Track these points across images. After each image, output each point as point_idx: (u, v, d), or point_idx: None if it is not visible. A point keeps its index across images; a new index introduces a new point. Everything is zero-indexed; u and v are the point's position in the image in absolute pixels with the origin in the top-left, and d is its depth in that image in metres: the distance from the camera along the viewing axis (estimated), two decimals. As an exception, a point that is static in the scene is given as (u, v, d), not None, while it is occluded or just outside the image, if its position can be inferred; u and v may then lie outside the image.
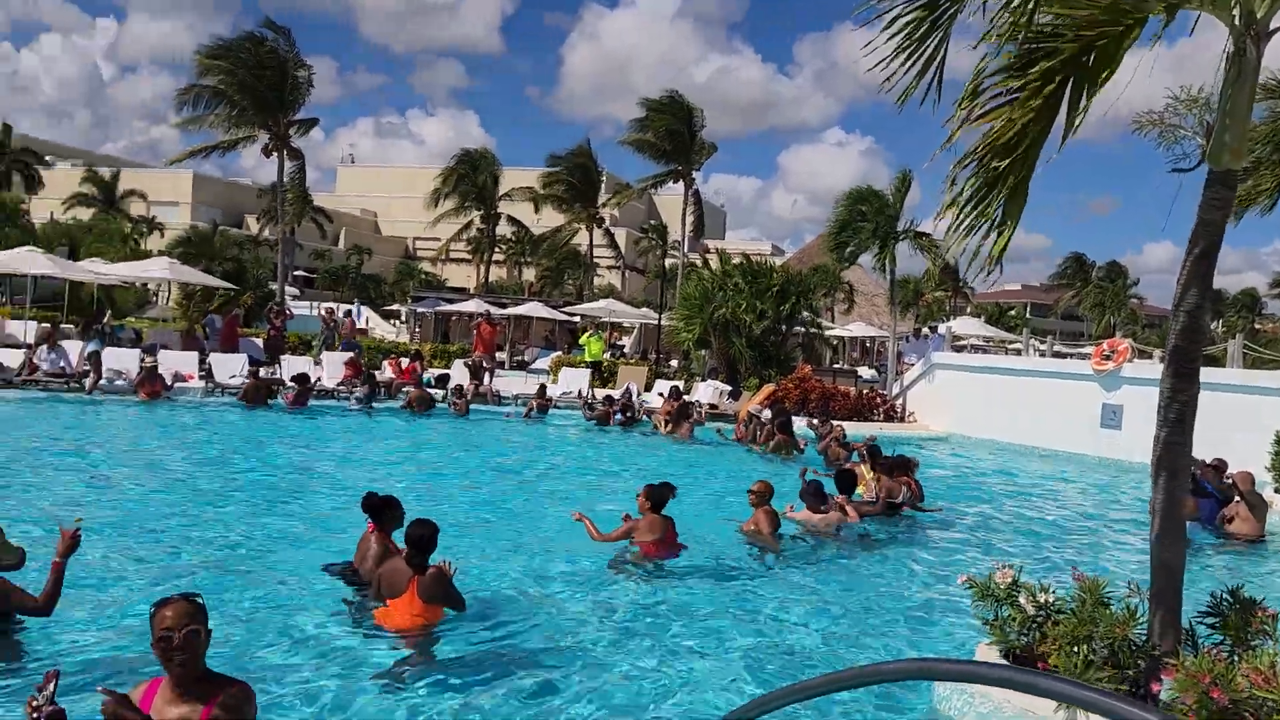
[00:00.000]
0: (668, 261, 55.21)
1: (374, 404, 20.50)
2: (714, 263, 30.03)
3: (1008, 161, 4.44)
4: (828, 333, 37.84)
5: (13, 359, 20.64)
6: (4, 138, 66.61)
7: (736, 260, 28.26)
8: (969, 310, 65.63)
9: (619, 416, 20.53)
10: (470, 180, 47.84)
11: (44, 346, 20.70)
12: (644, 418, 20.53)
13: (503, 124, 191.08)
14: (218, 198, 78.86)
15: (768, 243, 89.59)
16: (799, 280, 27.69)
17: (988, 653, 5.82)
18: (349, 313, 31.39)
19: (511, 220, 53.05)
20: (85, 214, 61.07)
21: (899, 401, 23.97)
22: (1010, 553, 10.28)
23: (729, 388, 24.16)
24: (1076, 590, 5.69)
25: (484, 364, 24.19)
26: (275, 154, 35.18)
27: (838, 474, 11.52)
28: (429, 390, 21.40)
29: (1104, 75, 4.71)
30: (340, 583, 7.22)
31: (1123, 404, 19.10)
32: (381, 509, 7.25)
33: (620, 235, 79.39)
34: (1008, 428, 21.18)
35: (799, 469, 12.48)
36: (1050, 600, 5.58)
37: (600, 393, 23.22)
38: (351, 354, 23.49)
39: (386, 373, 23.84)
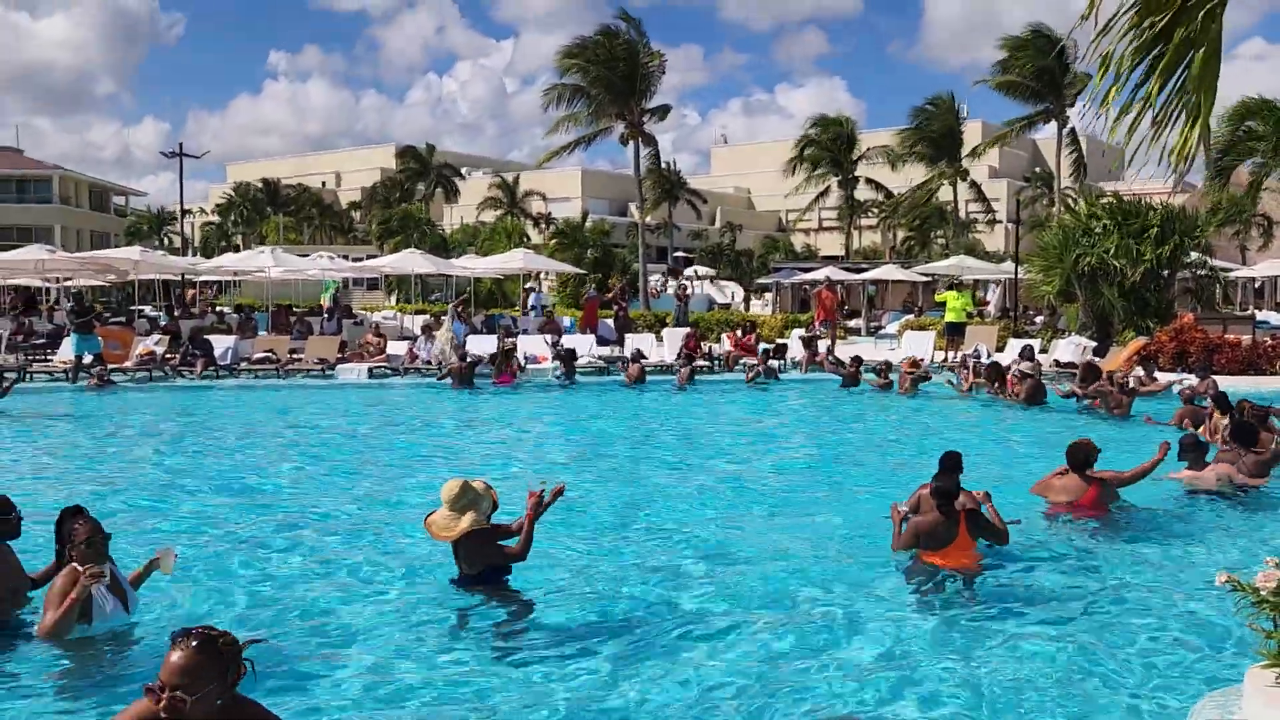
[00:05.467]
0: (1054, 210, 50.69)
1: (574, 378, 19.86)
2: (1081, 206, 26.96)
3: (1168, 17, 3.15)
4: (1233, 274, 32.70)
5: (402, 349, 23.09)
6: (428, 157, 75.67)
7: (1106, 200, 25.17)
8: None
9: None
10: (824, 146, 46.84)
11: (421, 338, 22.98)
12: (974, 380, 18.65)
13: (869, 86, 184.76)
14: (604, 189, 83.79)
15: (1172, 179, 79.18)
16: (1182, 217, 24.03)
17: (1260, 677, 4.42)
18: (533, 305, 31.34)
19: (870, 182, 51.24)
20: (492, 216, 67.56)
21: (1310, 350, 20.00)
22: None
23: (1093, 344, 21.51)
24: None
25: (820, 333, 23.45)
26: (631, 142, 36.58)
27: (1236, 427, 9.95)
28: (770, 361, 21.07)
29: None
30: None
31: None
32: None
33: (1001, 186, 74.33)
34: None
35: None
36: (1333, 614, 4.10)
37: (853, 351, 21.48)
38: (689, 329, 23.77)
39: (725, 345, 23.93)
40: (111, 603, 5.55)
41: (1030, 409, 15.83)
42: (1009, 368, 17.32)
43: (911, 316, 31.67)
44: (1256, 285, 43.70)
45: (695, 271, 54.01)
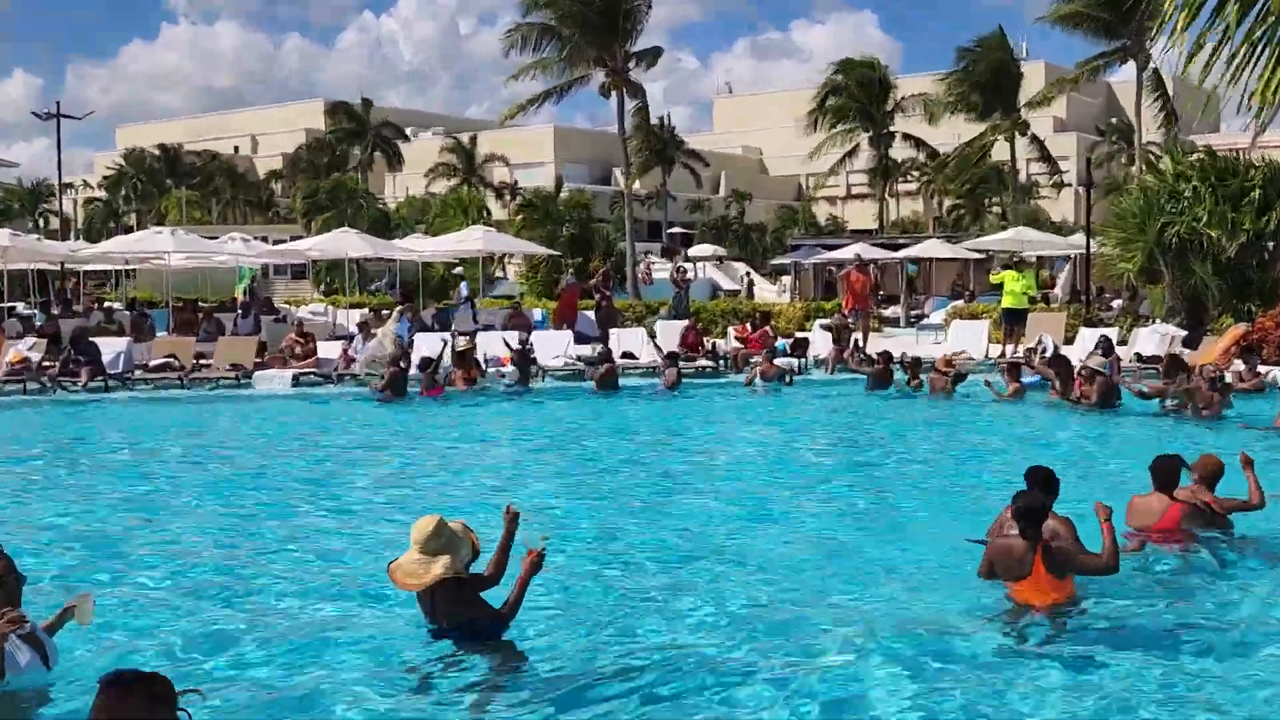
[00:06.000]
0: (1133, 169, 51.03)
1: (531, 383, 20.12)
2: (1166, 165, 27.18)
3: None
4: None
5: (334, 352, 23.07)
6: (365, 114, 75.45)
7: (1197, 158, 25.36)
8: None
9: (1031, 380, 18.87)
10: (852, 95, 47.06)
11: (358, 338, 22.99)
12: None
13: (906, 22, 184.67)
14: (582, 152, 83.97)
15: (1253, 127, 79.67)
16: (1290, 176, 24.21)
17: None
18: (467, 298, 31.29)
19: (908, 139, 51.50)
20: (445, 186, 67.58)
21: None
22: None
23: (1182, 333, 21.68)
24: None
25: (849, 323, 23.58)
26: (614, 93, 36.64)
27: None
28: (781, 362, 21.15)
29: None
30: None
31: None
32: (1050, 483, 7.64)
33: (1069, 142, 74.67)
34: None
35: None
36: None
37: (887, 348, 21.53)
38: (688, 320, 23.90)
39: (732, 341, 24.03)
40: (28, 655, 5.63)
41: (1103, 413, 15.92)
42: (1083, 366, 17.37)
43: (961, 303, 31.85)
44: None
45: (691, 252, 54.08)
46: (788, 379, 20.31)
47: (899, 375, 19.15)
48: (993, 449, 14.15)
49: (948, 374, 18.28)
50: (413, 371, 19.77)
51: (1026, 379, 18.77)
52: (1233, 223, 23.23)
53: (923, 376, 18.76)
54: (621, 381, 20.31)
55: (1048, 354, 19.92)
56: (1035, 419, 16.33)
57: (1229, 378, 16.44)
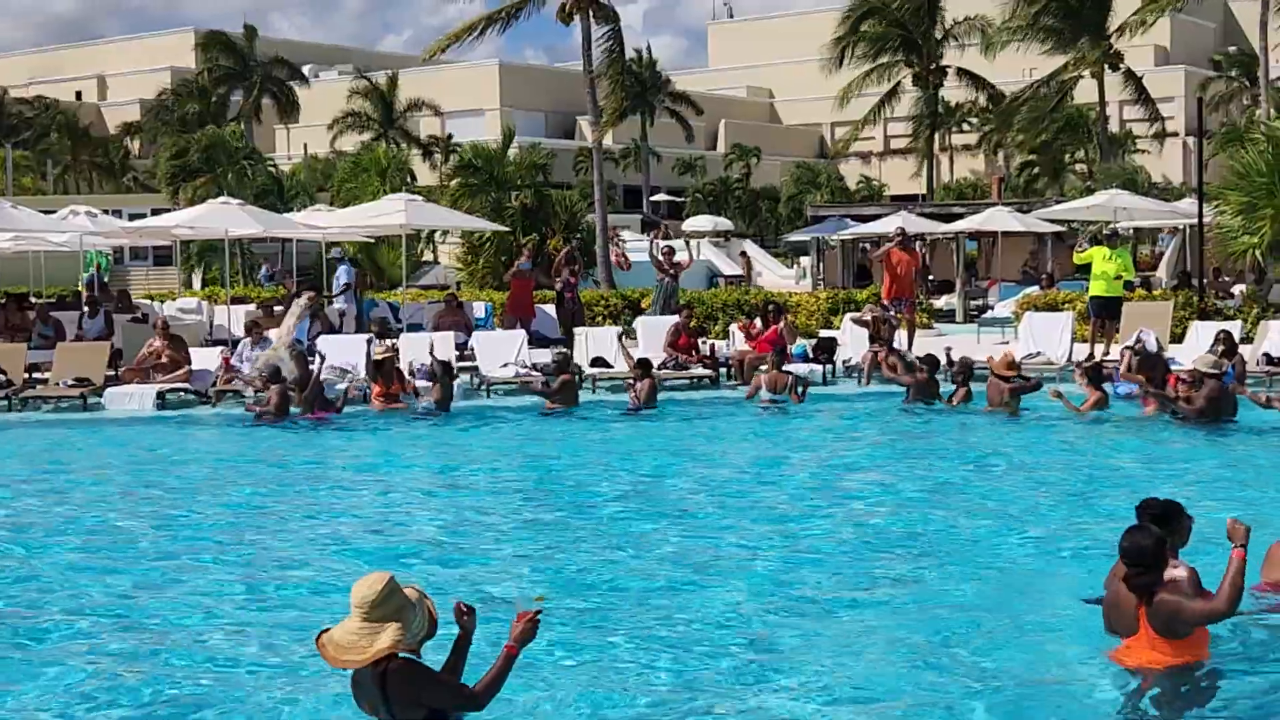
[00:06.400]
0: (1260, 112, 51.29)
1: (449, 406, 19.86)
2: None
3: None
4: None
5: (212, 362, 22.94)
6: (248, 47, 74.95)
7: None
8: None
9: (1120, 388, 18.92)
10: (890, 18, 47.18)
11: (245, 343, 22.80)
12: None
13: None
14: (537, 96, 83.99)
15: None
16: None
17: None
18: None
19: (964, 75, 51.74)
20: (355, 142, 67.37)
21: None
22: None
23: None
24: None
25: (889, 316, 23.50)
26: (577, 17, 36.52)
27: None
28: (793, 369, 21.06)
29: None
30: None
31: None
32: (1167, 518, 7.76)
33: (1175, 78, 75.08)
34: None
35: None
36: None
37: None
38: (678, 319, 23.81)
39: (737, 343, 23.90)
40: None
41: (1212, 429, 15.92)
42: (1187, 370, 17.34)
43: (1035, 290, 31.85)
44: None
45: (688, 225, 54.06)
46: (799, 391, 20.10)
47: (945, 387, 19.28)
48: (1036, 480, 14.12)
49: (1009, 379, 18.18)
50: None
51: (1121, 388, 18.77)
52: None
53: (974, 387, 18.73)
54: (593, 397, 20.28)
55: (1147, 348, 19.78)
56: (1113, 438, 16.46)
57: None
